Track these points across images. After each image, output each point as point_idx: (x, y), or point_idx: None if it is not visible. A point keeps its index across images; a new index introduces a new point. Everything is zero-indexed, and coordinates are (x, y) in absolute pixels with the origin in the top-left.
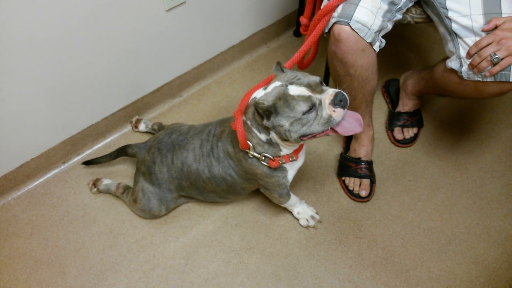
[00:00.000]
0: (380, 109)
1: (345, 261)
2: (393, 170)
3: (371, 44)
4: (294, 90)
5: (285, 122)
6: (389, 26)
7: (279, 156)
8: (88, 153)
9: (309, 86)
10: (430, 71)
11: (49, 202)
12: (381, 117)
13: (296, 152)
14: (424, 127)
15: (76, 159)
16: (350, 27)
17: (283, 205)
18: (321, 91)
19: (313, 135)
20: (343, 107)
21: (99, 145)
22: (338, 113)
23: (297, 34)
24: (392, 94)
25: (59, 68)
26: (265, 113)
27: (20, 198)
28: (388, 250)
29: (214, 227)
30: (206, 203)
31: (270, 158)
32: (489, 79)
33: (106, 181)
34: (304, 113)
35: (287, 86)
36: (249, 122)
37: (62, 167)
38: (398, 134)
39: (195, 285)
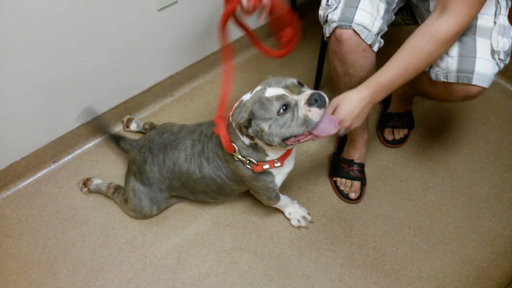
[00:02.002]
0: (373, 110)
1: (336, 260)
2: (384, 171)
3: (371, 45)
4: (270, 91)
5: (264, 126)
6: (386, 27)
7: (264, 161)
8: (79, 152)
9: (286, 87)
10: None
11: (39, 202)
12: (373, 118)
13: (283, 158)
14: (414, 128)
15: (66, 158)
16: (353, 29)
17: (274, 206)
18: (299, 92)
19: (297, 140)
20: (319, 107)
21: (90, 144)
22: (314, 113)
23: None
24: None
25: (49, 67)
26: (245, 125)
27: (9, 198)
28: (378, 250)
29: (206, 227)
30: (197, 203)
31: (253, 163)
32: (452, 80)
33: (96, 181)
34: (279, 113)
35: (265, 88)
36: (233, 124)
37: (53, 166)
38: (388, 134)
39: (186, 285)
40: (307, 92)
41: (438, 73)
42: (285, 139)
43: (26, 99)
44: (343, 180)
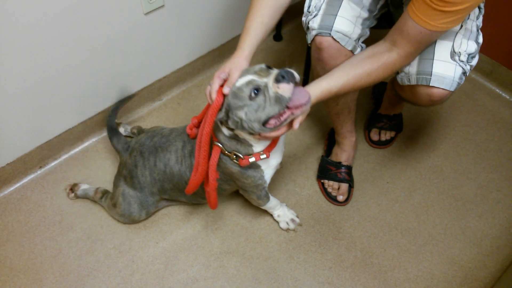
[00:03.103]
0: (364, 111)
1: (324, 263)
2: (371, 172)
3: (352, 51)
4: (239, 81)
5: (241, 114)
6: (367, 32)
7: (250, 154)
8: (65, 157)
9: (255, 73)
10: None
11: (25, 207)
12: (362, 120)
13: (268, 149)
14: (402, 130)
15: (53, 163)
16: (332, 37)
17: (263, 207)
18: (268, 74)
19: (277, 121)
20: (288, 82)
21: (77, 149)
22: (283, 89)
23: (277, 38)
24: (378, 96)
25: (34, 71)
26: (224, 118)
27: None
28: (366, 252)
29: (194, 231)
30: (185, 207)
31: (240, 157)
32: (413, 82)
33: (84, 186)
34: (251, 98)
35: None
36: (218, 122)
37: (39, 172)
38: (374, 135)
39: None
40: (275, 71)
41: (402, 77)
42: (264, 123)
43: (11, 104)
44: (331, 183)
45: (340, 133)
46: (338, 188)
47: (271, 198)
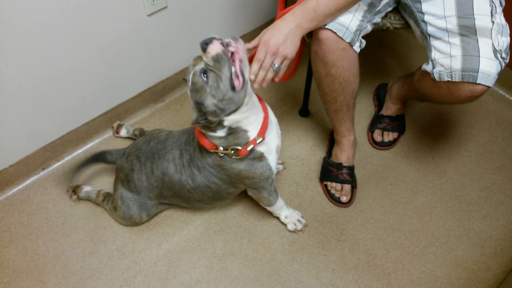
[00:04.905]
0: (367, 113)
1: (327, 264)
2: (374, 174)
3: (350, 44)
4: (190, 79)
5: (211, 100)
6: (369, 27)
7: (246, 143)
8: (68, 159)
9: (193, 65)
10: (411, 76)
11: (28, 209)
12: (365, 121)
13: (262, 131)
14: (405, 131)
15: (56, 165)
16: (330, 30)
17: (271, 209)
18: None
19: (239, 75)
20: (209, 43)
21: (80, 150)
22: (211, 49)
23: None
24: (381, 98)
25: (37, 72)
26: (203, 118)
27: None
28: (370, 254)
29: (197, 233)
30: (188, 209)
31: (238, 149)
32: (457, 79)
33: (86, 188)
34: (206, 82)
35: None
36: (202, 131)
37: (42, 173)
38: (377, 136)
39: None
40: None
41: (442, 73)
42: (233, 88)
43: (14, 105)
44: (334, 184)
45: (339, 132)
46: (341, 190)
47: (279, 197)
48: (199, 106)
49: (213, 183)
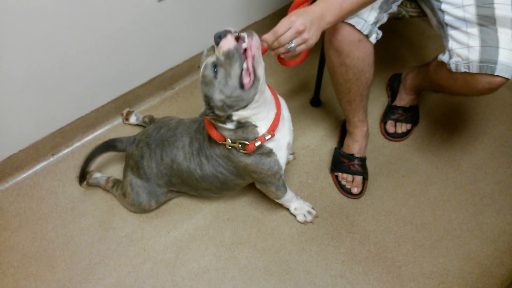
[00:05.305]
0: (380, 103)
1: (337, 256)
2: (386, 166)
3: (367, 36)
4: (201, 71)
5: (218, 95)
6: (385, 18)
7: (255, 139)
8: (78, 145)
9: (206, 56)
10: (426, 66)
11: (38, 194)
12: (377, 112)
13: (272, 128)
14: (418, 123)
15: (65, 151)
16: (347, 23)
17: (280, 201)
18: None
19: (249, 73)
20: (223, 37)
21: (89, 137)
22: (224, 44)
23: None
24: (394, 88)
25: (47, 58)
26: (211, 111)
27: (8, 190)
28: (380, 246)
29: (206, 222)
30: (197, 197)
31: (246, 144)
32: (474, 70)
33: (96, 175)
34: (215, 77)
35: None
36: (212, 121)
37: (51, 159)
38: (390, 127)
39: (185, 279)
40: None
41: (458, 64)
42: (241, 86)
43: (24, 91)
44: (345, 175)
45: (352, 122)
46: (352, 181)
47: (288, 189)
48: (208, 99)
49: (221, 173)
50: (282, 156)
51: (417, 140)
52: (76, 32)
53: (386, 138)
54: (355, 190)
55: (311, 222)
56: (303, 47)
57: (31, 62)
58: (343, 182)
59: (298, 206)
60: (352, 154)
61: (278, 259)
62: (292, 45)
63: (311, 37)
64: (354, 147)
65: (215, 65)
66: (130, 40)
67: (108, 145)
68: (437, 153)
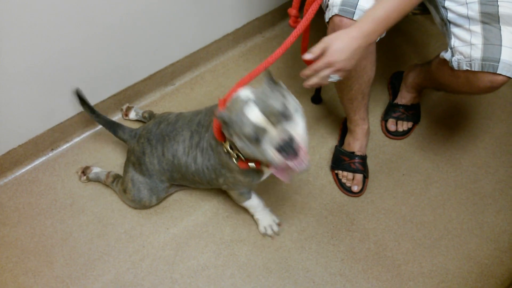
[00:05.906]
0: (382, 101)
1: (336, 254)
2: (387, 164)
3: None
4: (252, 113)
5: (238, 143)
6: None
7: None
8: (77, 140)
9: (269, 113)
10: (428, 64)
11: (37, 190)
12: (378, 110)
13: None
14: (419, 122)
15: (65, 146)
16: (349, 17)
17: (243, 205)
18: (277, 122)
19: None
20: (285, 157)
21: (89, 132)
22: (277, 159)
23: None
24: (396, 86)
25: (47, 53)
26: (224, 123)
27: (6, 185)
28: (380, 244)
29: (205, 218)
30: (197, 194)
31: (241, 159)
32: (476, 68)
33: (95, 170)
34: (250, 140)
35: (250, 104)
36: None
37: (50, 154)
38: (391, 125)
39: (184, 276)
40: (283, 135)
41: (460, 62)
42: (248, 159)
43: (23, 85)
44: (345, 173)
45: (353, 120)
46: (353, 179)
47: (253, 197)
48: (229, 124)
49: (207, 168)
50: (267, 173)
51: (418, 138)
52: (75, 26)
53: (387, 136)
54: (355, 188)
55: (271, 237)
56: (341, 73)
57: (31, 57)
58: (344, 180)
59: (261, 217)
60: (353, 152)
61: (277, 257)
62: (334, 78)
63: (350, 65)
64: (355, 145)
65: (258, 138)
66: (130, 34)
67: (111, 125)
68: (438, 151)
